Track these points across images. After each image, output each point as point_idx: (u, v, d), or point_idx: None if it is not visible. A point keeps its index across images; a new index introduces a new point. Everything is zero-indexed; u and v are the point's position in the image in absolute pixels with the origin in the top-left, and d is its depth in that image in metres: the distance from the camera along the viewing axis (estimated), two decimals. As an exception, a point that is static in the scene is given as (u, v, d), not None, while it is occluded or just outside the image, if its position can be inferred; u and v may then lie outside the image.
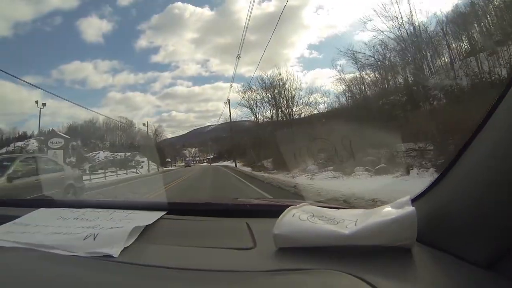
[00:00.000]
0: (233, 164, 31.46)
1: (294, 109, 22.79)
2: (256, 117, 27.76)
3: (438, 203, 0.63)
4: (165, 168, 37.69)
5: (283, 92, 23.66)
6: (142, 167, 35.64)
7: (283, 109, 23.18)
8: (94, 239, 0.67)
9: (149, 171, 30.80)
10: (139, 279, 0.54)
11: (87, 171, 34.44)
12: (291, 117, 22.63)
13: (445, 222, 0.59)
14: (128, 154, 39.85)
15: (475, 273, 0.50)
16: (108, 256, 0.62)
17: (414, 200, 0.65)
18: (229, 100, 30.06)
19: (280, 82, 23.51)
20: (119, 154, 40.07)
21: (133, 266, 0.58)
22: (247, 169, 20.99)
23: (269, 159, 20.20)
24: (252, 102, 26.71)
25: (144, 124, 38.22)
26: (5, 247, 0.67)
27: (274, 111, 24.48)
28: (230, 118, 30.58)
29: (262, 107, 26.23)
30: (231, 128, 32.08)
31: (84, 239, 0.67)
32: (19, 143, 37.20)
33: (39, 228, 0.76)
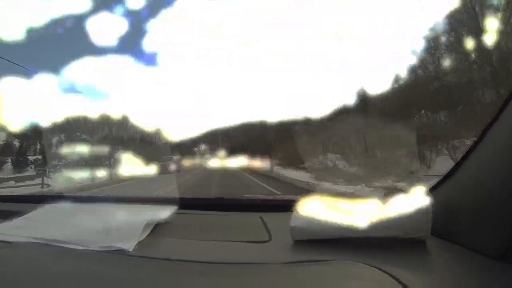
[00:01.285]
0: (266, 165, 13.86)
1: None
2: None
3: (452, 195, 0.63)
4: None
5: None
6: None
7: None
8: (107, 233, 0.67)
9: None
10: (155, 273, 0.54)
11: (47, 173, 24.95)
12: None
13: (459, 214, 0.59)
14: (106, 150, 29.63)
15: (489, 265, 0.50)
16: (122, 250, 0.61)
17: (428, 192, 0.66)
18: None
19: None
20: (96, 150, 29.91)
21: (148, 260, 0.58)
22: (300, 175, 9.51)
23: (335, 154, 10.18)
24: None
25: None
26: (17, 242, 0.67)
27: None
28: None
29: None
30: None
31: (97, 234, 0.67)
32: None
33: (51, 223, 0.77)
